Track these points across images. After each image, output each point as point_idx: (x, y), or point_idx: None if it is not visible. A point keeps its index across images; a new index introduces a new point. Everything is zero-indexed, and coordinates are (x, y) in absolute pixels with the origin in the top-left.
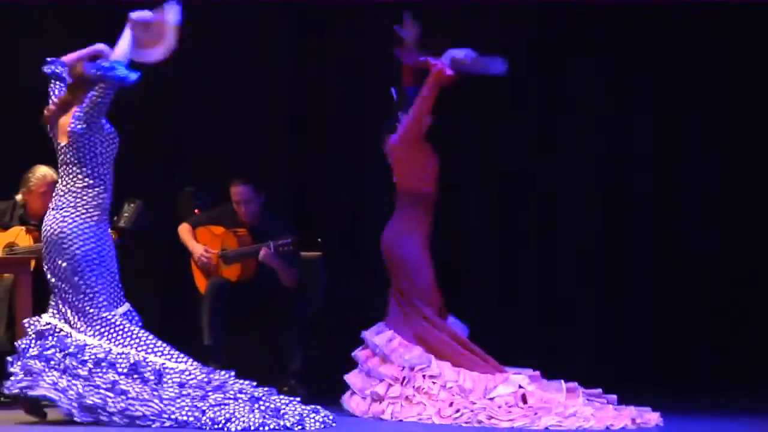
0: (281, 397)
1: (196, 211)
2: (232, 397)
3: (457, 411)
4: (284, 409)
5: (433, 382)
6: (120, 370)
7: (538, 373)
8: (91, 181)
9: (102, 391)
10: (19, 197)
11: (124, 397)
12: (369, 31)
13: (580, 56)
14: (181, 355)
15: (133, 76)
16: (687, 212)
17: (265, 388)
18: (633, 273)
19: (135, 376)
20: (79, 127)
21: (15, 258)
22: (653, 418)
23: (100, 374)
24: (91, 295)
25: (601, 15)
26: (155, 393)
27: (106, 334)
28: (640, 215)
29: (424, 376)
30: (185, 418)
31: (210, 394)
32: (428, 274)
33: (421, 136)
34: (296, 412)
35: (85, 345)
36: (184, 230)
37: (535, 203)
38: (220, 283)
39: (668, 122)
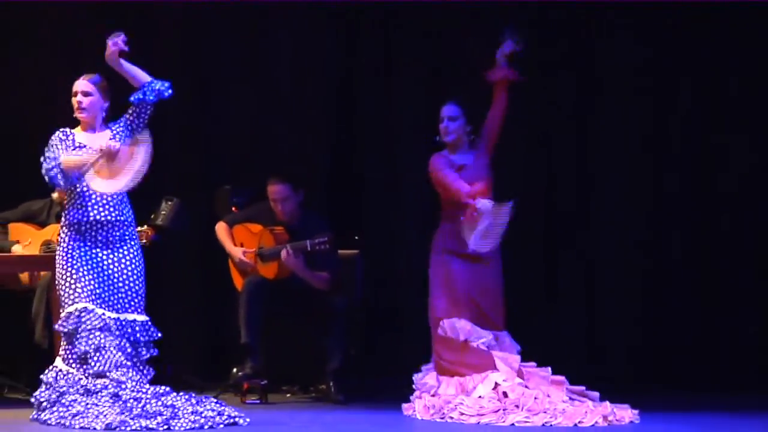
0: (153, 394)
1: (233, 209)
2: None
3: (433, 406)
4: (153, 407)
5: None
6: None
7: (533, 363)
8: (65, 199)
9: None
10: (55, 195)
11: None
12: (406, 31)
13: (616, 53)
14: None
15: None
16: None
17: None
18: (672, 274)
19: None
20: None
21: (52, 256)
22: (627, 414)
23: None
24: None
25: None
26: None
27: None
28: (676, 214)
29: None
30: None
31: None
32: (444, 293)
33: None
34: (166, 413)
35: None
36: (221, 230)
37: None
38: (257, 281)
39: (706, 121)
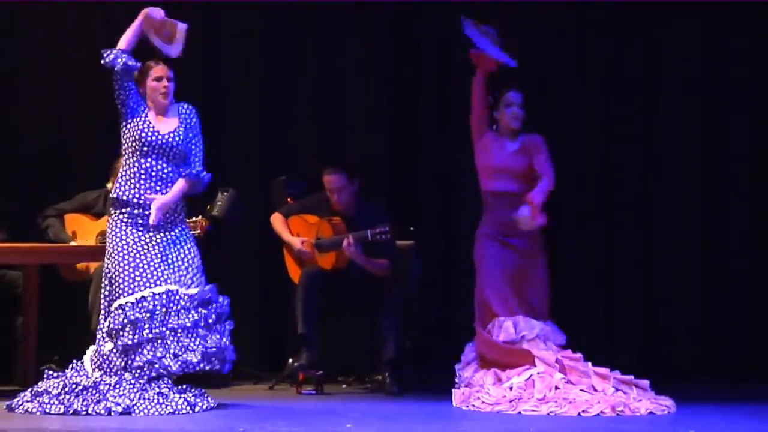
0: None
1: (288, 199)
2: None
3: (463, 394)
4: (112, 396)
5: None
6: None
7: (579, 355)
8: (119, 178)
9: None
10: (109, 186)
11: None
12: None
13: (677, 52)
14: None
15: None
16: None
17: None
18: (728, 268)
19: None
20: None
21: None
22: (646, 405)
23: None
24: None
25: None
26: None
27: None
28: (735, 208)
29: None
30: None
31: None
32: (491, 279)
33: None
34: (126, 399)
35: None
36: (277, 221)
37: (630, 201)
38: (314, 272)
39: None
